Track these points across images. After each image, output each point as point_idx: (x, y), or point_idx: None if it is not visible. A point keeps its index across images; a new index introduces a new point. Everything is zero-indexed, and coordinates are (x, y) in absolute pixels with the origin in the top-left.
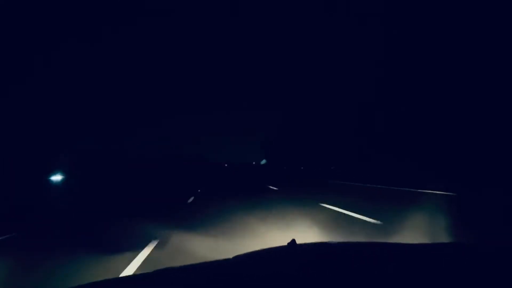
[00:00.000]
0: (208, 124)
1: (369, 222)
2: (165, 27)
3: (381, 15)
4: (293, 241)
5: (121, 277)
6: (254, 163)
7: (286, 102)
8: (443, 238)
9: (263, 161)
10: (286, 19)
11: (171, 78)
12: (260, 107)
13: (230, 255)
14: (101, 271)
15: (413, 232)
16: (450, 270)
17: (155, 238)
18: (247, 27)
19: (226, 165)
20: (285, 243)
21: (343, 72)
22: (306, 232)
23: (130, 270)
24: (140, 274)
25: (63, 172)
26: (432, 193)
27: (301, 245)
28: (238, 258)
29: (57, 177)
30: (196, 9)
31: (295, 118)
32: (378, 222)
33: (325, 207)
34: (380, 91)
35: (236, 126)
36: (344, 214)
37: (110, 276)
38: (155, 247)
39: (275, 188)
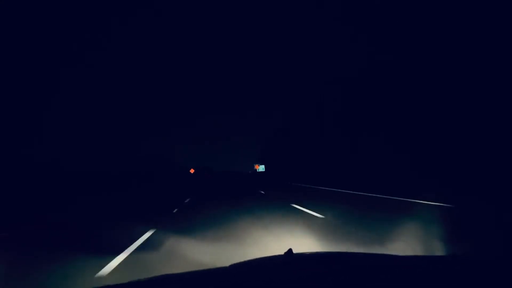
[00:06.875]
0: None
1: None
2: (158, 31)
3: (375, 23)
4: (290, 250)
5: (118, 284)
6: (250, 172)
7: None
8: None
9: (261, 168)
10: (279, 26)
11: (153, 83)
12: (258, 114)
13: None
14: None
15: None
16: (445, 282)
17: None
18: (239, 34)
19: (192, 170)
20: (282, 252)
21: (341, 74)
22: None
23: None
24: (136, 281)
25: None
26: None
27: (297, 254)
28: (235, 267)
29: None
30: (188, 18)
31: (296, 119)
32: None
33: None
34: (378, 96)
35: (232, 129)
36: None
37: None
38: None
39: None
